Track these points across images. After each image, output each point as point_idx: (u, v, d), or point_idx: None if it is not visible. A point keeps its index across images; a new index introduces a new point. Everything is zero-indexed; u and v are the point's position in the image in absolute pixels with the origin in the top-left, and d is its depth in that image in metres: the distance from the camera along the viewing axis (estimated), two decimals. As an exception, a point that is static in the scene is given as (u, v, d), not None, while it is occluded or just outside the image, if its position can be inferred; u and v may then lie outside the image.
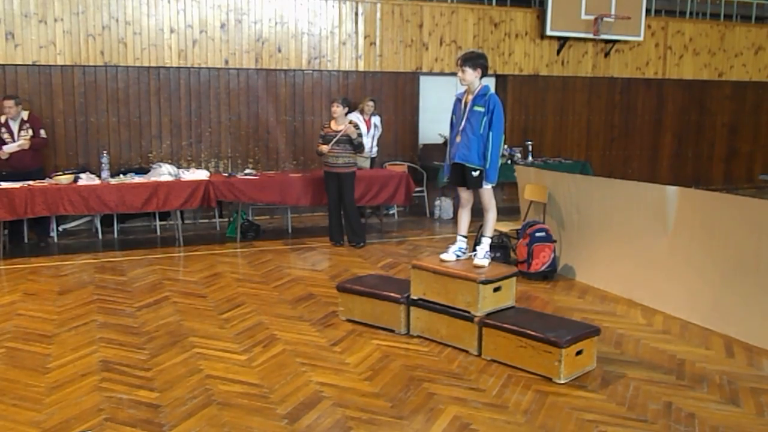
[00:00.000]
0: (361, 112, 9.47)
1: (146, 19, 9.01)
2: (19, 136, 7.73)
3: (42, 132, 7.94)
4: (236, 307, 5.79)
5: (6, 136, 7.72)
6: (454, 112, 5.22)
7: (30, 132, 7.79)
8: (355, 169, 8.08)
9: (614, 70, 11.92)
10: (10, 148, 7.63)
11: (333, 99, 8.26)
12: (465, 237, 5.25)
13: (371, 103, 9.47)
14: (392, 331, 5.17)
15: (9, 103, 7.66)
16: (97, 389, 4.15)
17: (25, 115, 7.85)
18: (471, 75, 4.99)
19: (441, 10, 10.54)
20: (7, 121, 7.70)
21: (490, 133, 4.98)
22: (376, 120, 9.64)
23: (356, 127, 7.90)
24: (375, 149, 9.66)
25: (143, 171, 8.45)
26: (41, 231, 8.12)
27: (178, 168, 8.59)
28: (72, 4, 8.66)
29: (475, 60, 5.00)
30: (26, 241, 8.22)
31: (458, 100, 5.19)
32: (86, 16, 8.74)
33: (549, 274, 6.64)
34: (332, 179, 7.93)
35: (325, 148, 7.80)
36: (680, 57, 12.38)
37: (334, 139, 7.73)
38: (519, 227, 6.96)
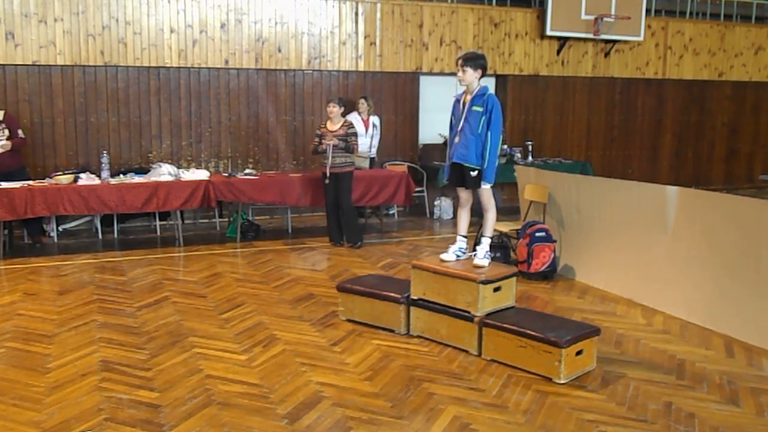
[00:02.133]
0: (358, 112, 9.47)
1: (146, 19, 9.01)
2: None
3: (20, 132, 7.86)
4: (236, 307, 5.79)
5: None
6: (453, 113, 5.22)
7: (6, 132, 7.69)
8: (353, 168, 8.05)
9: (614, 70, 11.92)
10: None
11: (329, 99, 8.22)
12: (465, 237, 5.25)
13: (362, 101, 9.47)
14: (392, 331, 5.17)
15: None
16: (97, 389, 4.15)
17: (0, 115, 7.78)
18: (471, 75, 5.00)
19: (441, 10, 10.54)
20: None
21: (488, 133, 4.99)
22: (374, 120, 9.61)
23: (350, 126, 7.89)
24: (373, 150, 9.62)
25: (143, 171, 8.45)
26: (32, 231, 8.10)
27: (178, 168, 8.59)
28: (72, 4, 8.66)
29: (475, 60, 5.00)
30: (25, 240, 8.22)
31: (457, 101, 5.19)
32: (86, 16, 8.74)
33: (549, 274, 6.64)
34: (330, 179, 7.89)
35: (327, 141, 7.75)
36: (680, 57, 12.38)
37: (329, 140, 7.75)
38: (519, 227, 6.96)
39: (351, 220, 8.08)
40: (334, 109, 7.87)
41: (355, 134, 7.92)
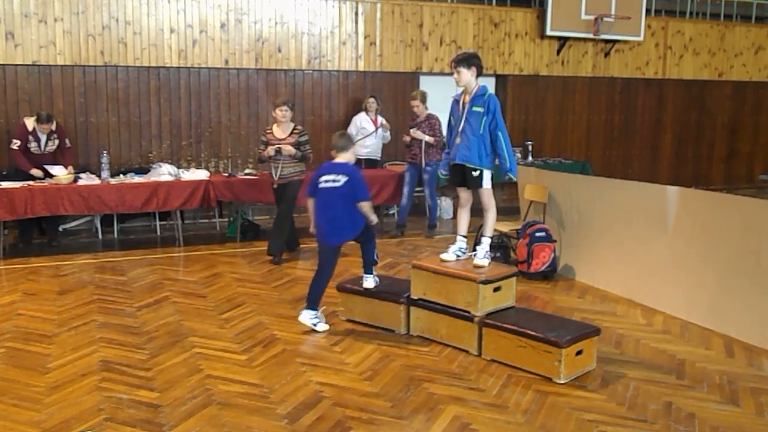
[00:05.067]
0: (366, 111, 9.41)
1: (146, 19, 9.01)
2: (46, 146, 7.84)
3: (67, 142, 8.05)
4: (236, 307, 5.79)
5: (33, 144, 7.79)
6: (452, 114, 5.22)
7: (56, 142, 7.91)
8: (303, 177, 7.21)
9: (614, 70, 11.92)
10: (59, 172, 7.64)
11: (277, 101, 7.24)
12: (465, 237, 5.25)
13: (372, 100, 9.37)
14: (392, 331, 5.17)
15: (45, 126, 7.76)
16: (97, 389, 4.15)
17: (53, 124, 7.93)
18: (466, 75, 4.99)
19: (441, 10, 10.54)
20: (35, 129, 7.77)
21: (499, 133, 4.98)
22: (381, 119, 9.54)
23: (302, 133, 7.18)
24: (378, 152, 9.56)
25: (143, 171, 8.45)
26: (51, 230, 8.11)
27: (178, 168, 8.59)
28: (72, 4, 8.66)
29: (468, 60, 4.99)
30: (19, 240, 8.21)
31: (456, 102, 5.18)
32: (86, 16, 8.74)
33: (549, 274, 6.64)
34: (278, 191, 7.30)
35: (270, 149, 7.06)
36: (680, 57, 12.38)
37: (276, 149, 7.05)
38: (519, 227, 6.96)
39: (283, 229, 7.34)
40: (287, 114, 7.09)
41: (308, 141, 7.26)
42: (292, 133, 7.15)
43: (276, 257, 7.27)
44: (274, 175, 7.15)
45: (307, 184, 5.34)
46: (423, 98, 8.61)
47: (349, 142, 5.33)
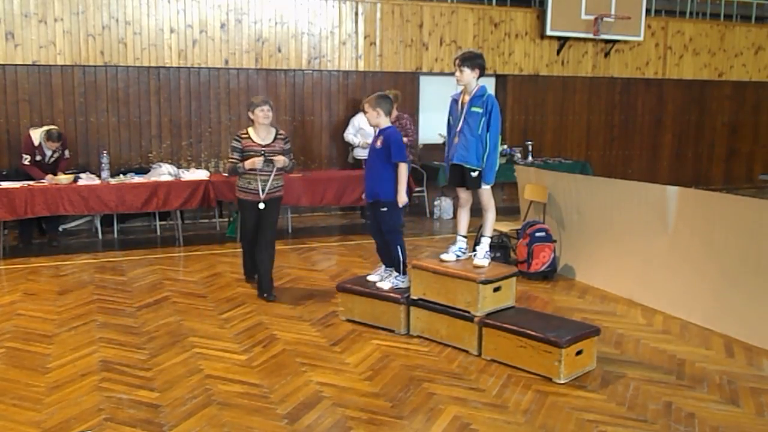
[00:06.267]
0: (364, 112, 9.39)
1: (146, 19, 9.01)
2: (51, 158, 7.89)
3: (66, 152, 8.07)
4: (236, 307, 5.79)
5: (39, 158, 7.83)
6: (450, 113, 5.20)
7: (60, 153, 7.97)
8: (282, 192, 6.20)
9: (614, 70, 11.92)
10: (57, 180, 7.64)
11: (255, 101, 5.96)
12: (465, 237, 5.25)
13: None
14: (392, 331, 5.17)
15: (55, 144, 7.81)
16: (97, 389, 4.15)
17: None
18: (469, 75, 4.98)
19: (441, 10, 10.54)
20: (41, 144, 7.80)
21: (488, 135, 4.97)
22: None
23: (286, 139, 6.08)
24: None
25: (143, 171, 8.45)
26: (51, 230, 8.12)
27: (178, 168, 8.59)
28: (72, 4, 8.66)
29: (473, 60, 4.98)
30: (15, 240, 8.21)
31: (455, 101, 5.17)
32: (86, 16, 8.73)
33: (549, 274, 6.64)
34: (252, 207, 5.92)
35: (258, 161, 5.77)
36: (680, 57, 12.38)
37: (264, 159, 5.81)
38: (519, 227, 6.96)
39: (271, 261, 6.06)
40: (270, 114, 5.88)
41: (291, 149, 6.21)
42: (276, 138, 5.97)
43: (270, 295, 5.98)
44: (260, 192, 5.86)
45: (400, 149, 5.44)
46: (395, 98, 8.60)
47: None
